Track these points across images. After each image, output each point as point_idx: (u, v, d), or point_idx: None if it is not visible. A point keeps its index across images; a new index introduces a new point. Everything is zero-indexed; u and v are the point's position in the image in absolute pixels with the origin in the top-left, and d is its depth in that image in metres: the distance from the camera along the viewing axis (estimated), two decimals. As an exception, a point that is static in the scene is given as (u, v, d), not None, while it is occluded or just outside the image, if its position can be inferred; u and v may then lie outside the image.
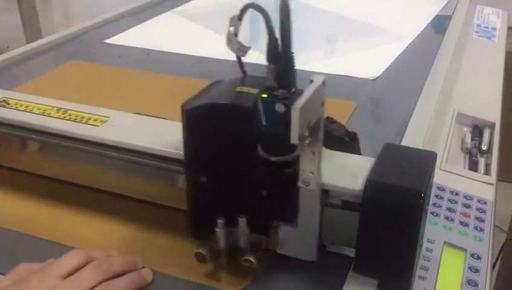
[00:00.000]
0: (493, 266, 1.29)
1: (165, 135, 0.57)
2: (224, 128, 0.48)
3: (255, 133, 0.44)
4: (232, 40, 0.52)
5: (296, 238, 0.51)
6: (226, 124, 0.48)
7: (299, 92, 0.43)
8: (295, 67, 0.44)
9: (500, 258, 1.35)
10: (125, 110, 0.64)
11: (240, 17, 0.51)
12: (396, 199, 0.45)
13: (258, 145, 0.46)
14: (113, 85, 0.91)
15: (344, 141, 0.58)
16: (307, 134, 0.43)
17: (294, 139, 0.41)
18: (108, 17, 1.26)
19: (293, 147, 0.45)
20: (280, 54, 0.43)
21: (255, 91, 0.49)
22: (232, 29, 0.52)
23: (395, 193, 0.45)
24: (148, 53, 1.07)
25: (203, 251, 0.50)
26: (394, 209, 0.45)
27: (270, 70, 0.43)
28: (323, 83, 0.45)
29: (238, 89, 0.50)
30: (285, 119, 0.41)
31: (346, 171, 0.50)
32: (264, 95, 0.42)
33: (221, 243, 0.50)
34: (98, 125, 0.60)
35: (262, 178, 0.47)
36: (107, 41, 1.13)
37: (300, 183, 0.48)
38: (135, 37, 1.16)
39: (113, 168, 0.60)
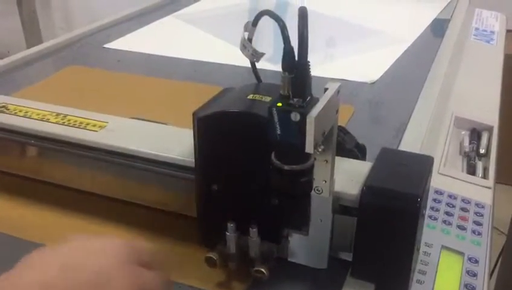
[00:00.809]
0: (493, 269, 1.29)
1: (165, 140, 0.58)
2: (236, 137, 0.48)
3: (268, 142, 0.43)
4: (246, 45, 0.52)
5: (307, 246, 0.51)
6: (238, 132, 0.48)
7: (314, 101, 0.43)
8: (311, 76, 0.43)
9: (500, 260, 1.35)
10: (125, 115, 0.64)
11: (255, 23, 0.50)
12: (393, 203, 0.45)
13: (272, 153, 0.46)
14: (113, 90, 0.91)
15: (354, 154, 0.58)
16: (321, 143, 0.43)
17: (309, 148, 0.41)
18: (108, 21, 1.26)
19: (307, 156, 0.45)
20: (296, 62, 0.42)
21: (268, 99, 0.49)
22: (246, 34, 0.52)
23: (392, 197, 0.46)
24: (147, 58, 1.07)
25: (214, 256, 0.50)
26: (391, 214, 0.46)
27: (284, 79, 0.43)
28: (338, 91, 0.45)
29: (251, 96, 0.50)
30: (300, 128, 0.41)
31: (343, 176, 0.50)
32: (279, 104, 0.42)
33: (232, 248, 0.50)
34: (96, 131, 0.60)
35: (275, 187, 0.47)
36: (107, 46, 1.13)
37: (312, 191, 0.48)
38: (135, 41, 1.16)
39: (112, 174, 0.60)
